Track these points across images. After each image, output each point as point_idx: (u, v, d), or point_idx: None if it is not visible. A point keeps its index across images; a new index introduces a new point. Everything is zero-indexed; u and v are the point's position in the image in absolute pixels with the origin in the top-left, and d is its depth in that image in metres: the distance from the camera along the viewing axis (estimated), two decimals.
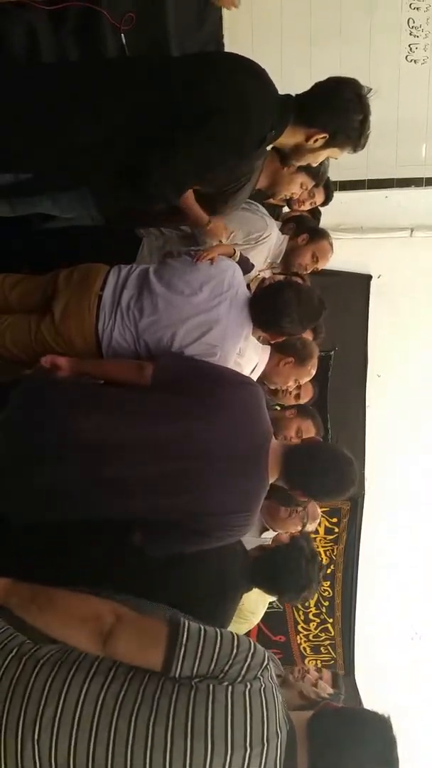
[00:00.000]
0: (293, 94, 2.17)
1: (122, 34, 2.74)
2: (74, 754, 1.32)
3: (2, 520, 1.96)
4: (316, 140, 2.16)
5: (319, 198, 3.03)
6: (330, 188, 2.91)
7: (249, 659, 1.40)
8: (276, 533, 3.03)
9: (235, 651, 1.40)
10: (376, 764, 1.46)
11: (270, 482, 2.10)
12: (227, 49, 3.73)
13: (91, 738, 1.33)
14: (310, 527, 3.15)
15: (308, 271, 3.05)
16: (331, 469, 2.09)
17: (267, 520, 3.14)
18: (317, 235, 3.07)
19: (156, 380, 2.13)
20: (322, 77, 4.04)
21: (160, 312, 2.31)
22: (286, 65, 3.98)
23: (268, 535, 3.16)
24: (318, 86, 2.16)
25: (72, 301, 2.32)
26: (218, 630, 1.45)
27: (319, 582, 2.51)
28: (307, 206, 3.19)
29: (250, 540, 2.85)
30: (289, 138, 2.17)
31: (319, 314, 2.55)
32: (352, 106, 2.11)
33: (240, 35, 3.83)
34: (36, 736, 1.33)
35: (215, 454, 2.01)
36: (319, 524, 4.46)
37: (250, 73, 2.06)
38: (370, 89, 2.12)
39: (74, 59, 2.63)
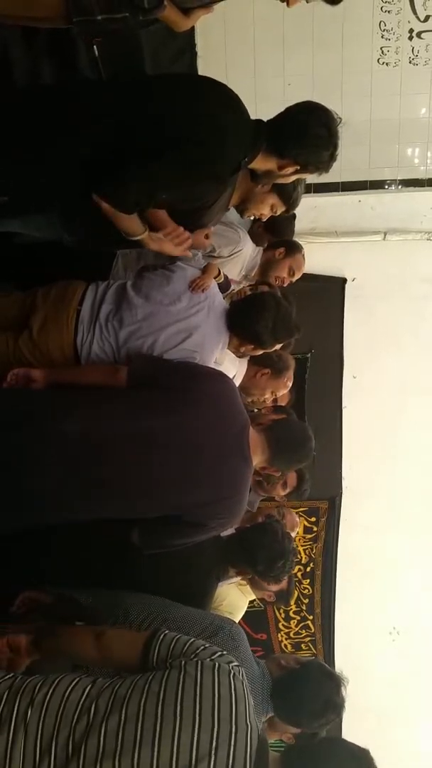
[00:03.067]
0: (266, 119, 2.19)
1: (95, 46, 2.73)
2: (57, 733, 1.36)
3: None
4: (287, 170, 2.21)
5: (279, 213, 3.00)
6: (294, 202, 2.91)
7: (220, 653, 1.49)
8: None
9: (207, 644, 1.51)
10: None
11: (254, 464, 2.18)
12: (200, 55, 3.75)
13: (74, 717, 1.38)
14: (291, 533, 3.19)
15: (285, 285, 3.09)
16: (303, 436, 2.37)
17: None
18: (294, 249, 3.12)
19: (132, 380, 2.16)
20: (295, 82, 4.09)
21: (139, 322, 2.34)
22: (259, 70, 4.01)
23: None
24: (289, 115, 2.18)
25: (50, 316, 2.33)
26: (191, 638, 1.55)
27: (295, 555, 2.61)
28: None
29: None
30: (262, 164, 2.20)
31: (293, 332, 2.58)
32: (323, 143, 2.15)
33: (213, 43, 3.82)
34: (27, 721, 1.38)
35: (199, 445, 2.07)
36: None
37: (227, 106, 2.09)
38: (341, 119, 2.15)
39: (46, 72, 2.63)
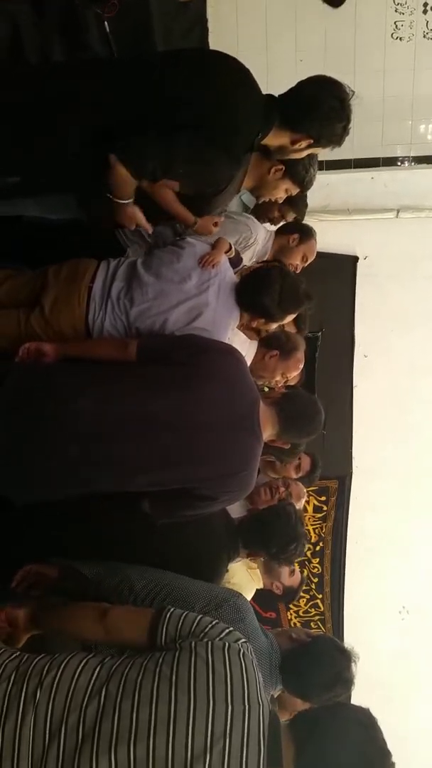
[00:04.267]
0: (277, 94, 2.18)
1: (105, 22, 2.71)
2: (67, 716, 1.36)
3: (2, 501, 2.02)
4: (300, 144, 2.20)
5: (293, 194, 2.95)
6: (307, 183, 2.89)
7: (228, 629, 1.48)
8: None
9: (215, 621, 1.50)
10: (365, 752, 1.48)
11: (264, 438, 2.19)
12: (212, 30, 3.71)
13: (83, 701, 1.37)
14: (297, 507, 3.19)
15: (298, 271, 3.07)
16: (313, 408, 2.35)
17: (250, 502, 3.19)
18: (307, 235, 3.09)
19: (141, 355, 2.17)
20: (307, 58, 4.04)
21: (150, 300, 2.33)
22: (271, 44, 3.96)
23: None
24: (301, 89, 2.16)
25: (62, 293, 2.33)
26: (199, 615, 1.55)
27: (307, 538, 2.62)
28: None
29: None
30: (275, 139, 2.19)
31: (301, 303, 2.55)
32: (336, 115, 2.13)
33: (224, 16, 3.78)
34: (36, 702, 1.38)
35: (209, 421, 2.07)
36: (308, 502, 4.54)
37: (239, 81, 2.08)
38: (353, 91, 2.13)
39: (57, 50, 2.61)
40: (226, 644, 1.43)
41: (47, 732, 1.35)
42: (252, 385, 2.21)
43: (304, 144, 2.19)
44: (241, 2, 3.90)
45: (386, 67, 4.17)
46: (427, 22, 4.11)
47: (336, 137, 2.18)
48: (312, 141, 2.18)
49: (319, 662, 2.16)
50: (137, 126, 1.98)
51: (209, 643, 1.43)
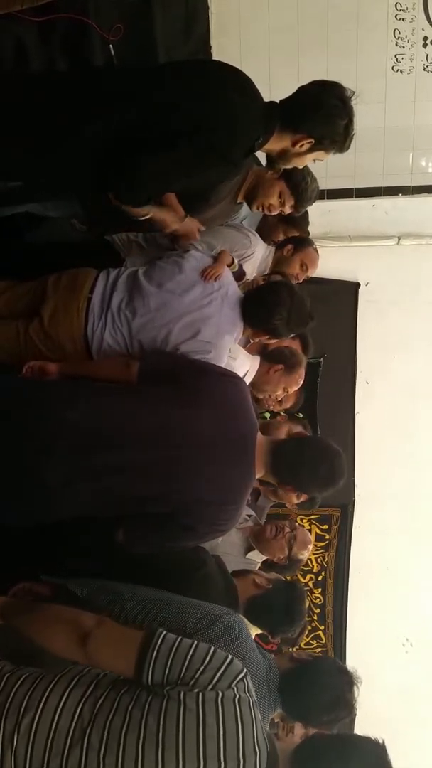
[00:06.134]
0: (278, 99, 2.19)
1: (110, 45, 2.76)
2: (47, 763, 1.30)
3: None
4: (302, 145, 2.18)
5: (288, 208, 2.91)
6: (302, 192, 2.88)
7: (223, 668, 1.37)
8: (262, 557, 3.03)
9: (208, 659, 1.38)
10: None
11: (257, 477, 2.08)
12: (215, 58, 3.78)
13: (65, 748, 1.31)
14: (301, 556, 3.11)
15: (300, 281, 3.07)
16: (320, 459, 2.07)
17: (252, 539, 3.14)
18: (302, 243, 3.09)
19: (142, 375, 2.14)
20: None
21: (152, 312, 2.32)
22: (273, 77, 4.02)
23: (253, 556, 3.15)
24: (302, 91, 2.17)
25: (61, 304, 2.33)
26: (195, 641, 1.44)
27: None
28: (276, 213, 3.07)
29: (234, 560, 2.84)
30: (276, 144, 2.19)
31: (307, 322, 2.57)
32: (337, 111, 2.12)
33: (228, 48, 3.86)
34: (14, 745, 1.32)
35: (203, 441, 2.01)
36: (309, 530, 4.48)
37: (238, 88, 2.08)
38: (354, 92, 2.14)
39: (61, 69, 2.65)
40: (220, 694, 1.34)
41: None
42: (252, 415, 2.14)
43: (306, 145, 2.17)
44: (244, 32, 3.99)
45: (387, 98, 4.24)
46: (427, 55, 4.19)
47: (338, 137, 2.16)
48: (313, 141, 2.16)
49: (319, 683, 2.08)
50: (136, 134, 1.99)
51: (200, 694, 1.33)
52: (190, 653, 1.39)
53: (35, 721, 1.33)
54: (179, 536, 2.03)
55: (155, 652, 1.39)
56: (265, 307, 2.47)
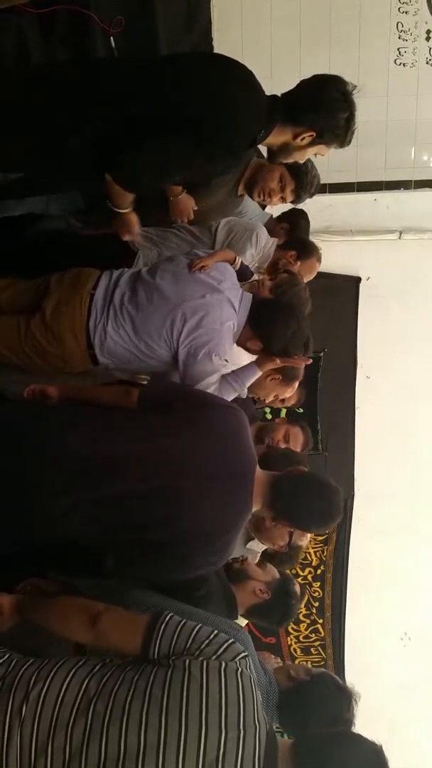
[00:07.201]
0: (279, 93, 2.18)
1: (111, 38, 2.76)
2: (53, 735, 1.32)
3: None
4: (303, 138, 2.17)
5: (288, 193, 2.90)
6: (302, 190, 2.85)
7: (226, 644, 1.42)
8: (262, 546, 3.02)
9: (213, 636, 1.44)
10: None
11: (253, 511, 2.05)
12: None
13: (71, 718, 1.34)
14: (301, 542, 3.10)
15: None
16: (318, 497, 2.04)
17: (252, 528, 3.13)
18: (306, 254, 3.04)
19: (142, 402, 2.13)
20: None
21: (155, 304, 2.32)
22: (275, 70, 4.02)
23: (253, 545, 3.14)
24: (303, 84, 2.16)
25: (63, 298, 2.33)
26: (199, 624, 1.49)
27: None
28: (276, 201, 3.03)
29: (234, 551, 2.84)
30: (277, 137, 2.18)
31: (299, 352, 2.46)
32: (338, 105, 2.11)
33: (229, 40, 3.85)
34: (22, 716, 1.34)
35: (204, 472, 1.97)
36: None
37: (240, 81, 2.07)
38: (355, 86, 2.13)
39: (63, 69, 2.64)
40: (223, 664, 1.38)
41: (33, 749, 1.31)
42: (251, 447, 2.10)
43: (307, 138, 2.16)
44: (246, 24, 3.98)
45: (390, 92, 4.23)
46: (430, 48, 4.19)
47: (340, 130, 2.15)
48: (315, 134, 2.15)
49: (317, 705, 2.09)
50: (137, 129, 1.99)
51: (204, 662, 1.37)
52: (196, 630, 1.45)
53: (43, 692, 1.37)
54: (171, 568, 2.00)
55: (163, 626, 1.46)
56: (272, 328, 2.43)
